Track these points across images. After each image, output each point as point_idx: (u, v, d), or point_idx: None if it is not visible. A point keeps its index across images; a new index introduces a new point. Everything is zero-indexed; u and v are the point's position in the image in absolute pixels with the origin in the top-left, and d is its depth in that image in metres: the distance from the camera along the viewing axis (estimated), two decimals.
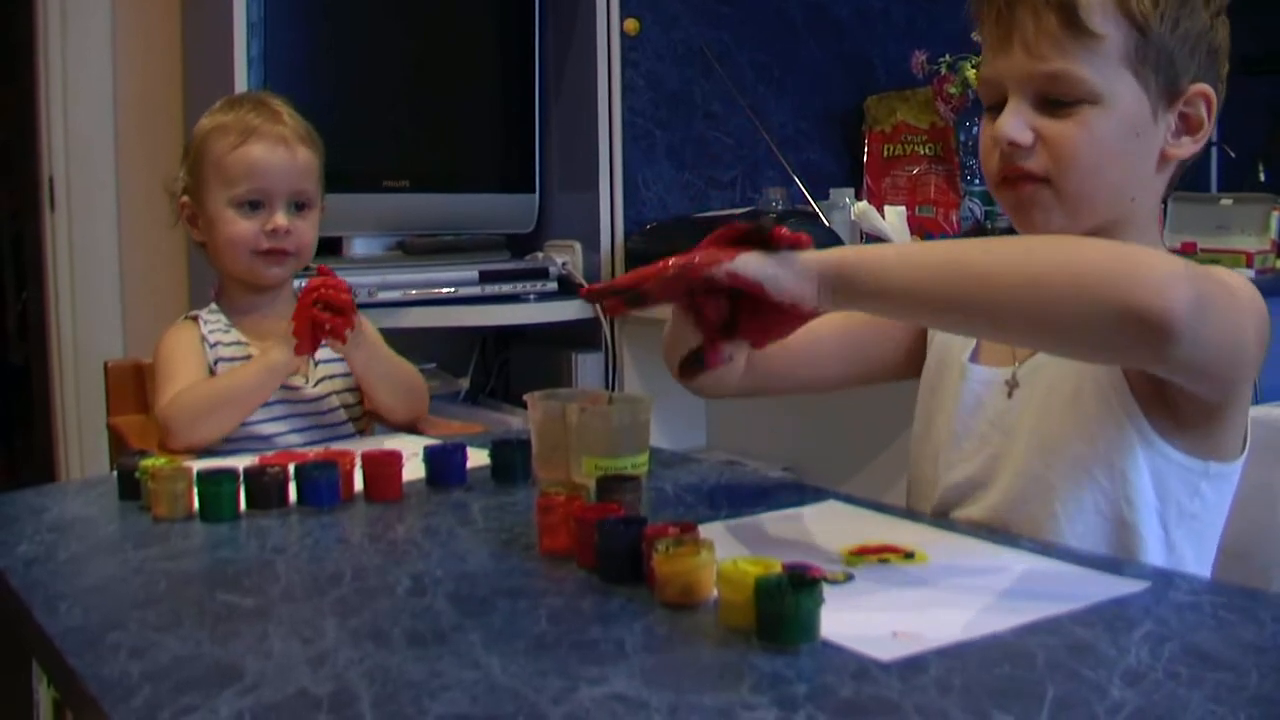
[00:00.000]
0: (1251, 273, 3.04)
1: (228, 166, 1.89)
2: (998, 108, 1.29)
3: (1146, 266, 1.04)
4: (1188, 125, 1.28)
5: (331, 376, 1.95)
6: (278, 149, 1.91)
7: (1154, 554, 1.23)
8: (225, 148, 1.90)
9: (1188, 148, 1.28)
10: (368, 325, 1.91)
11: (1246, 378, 1.20)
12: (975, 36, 1.35)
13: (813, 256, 1.10)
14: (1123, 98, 1.24)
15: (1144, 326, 1.03)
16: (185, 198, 1.97)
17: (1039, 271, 1.06)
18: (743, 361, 1.41)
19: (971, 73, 2.99)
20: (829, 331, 1.45)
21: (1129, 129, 1.25)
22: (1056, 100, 1.25)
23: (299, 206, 1.93)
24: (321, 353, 1.92)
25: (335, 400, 1.94)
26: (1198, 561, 1.26)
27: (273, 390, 1.83)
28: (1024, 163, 1.27)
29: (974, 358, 1.39)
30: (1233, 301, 1.13)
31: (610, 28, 3.05)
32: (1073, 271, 1.05)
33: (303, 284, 1.83)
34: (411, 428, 1.95)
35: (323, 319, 1.77)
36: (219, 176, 1.90)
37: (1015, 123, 1.26)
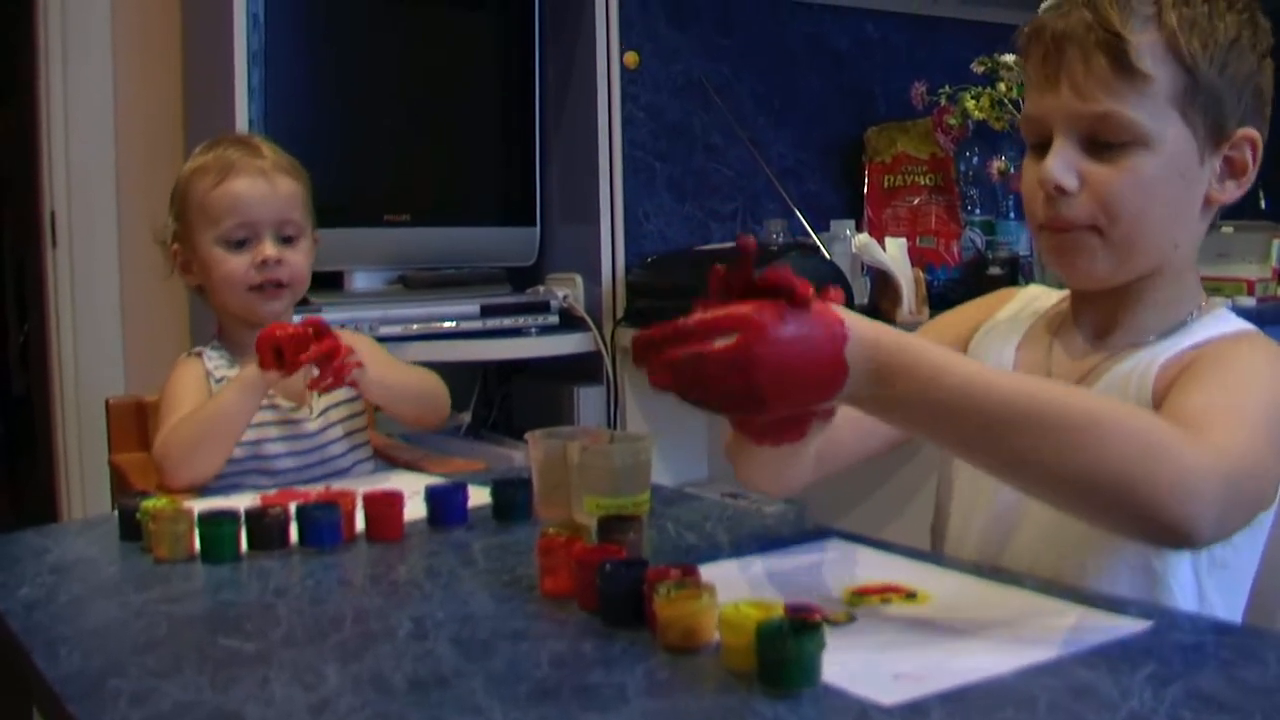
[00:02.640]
0: (1253, 300, 3.05)
1: (210, 205, 1.89)
2: (1041, 146, 1.27)
3: (1178, 475, 1.00)
4: (1232, 169, 1.27)
5: (335, 405, 1.95)
6: (257, 181, 1.90)
7: (1184, 604, 1.22)
8: (206, 187, 1.90)
9: (1231, 192, 1.28)
10: (368, 353, 1.88)
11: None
12: (1006, 60, 1.33)
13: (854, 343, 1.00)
14: (1171, 140, 1.22)
15: (1164, 536, 1.03)
16: (176, 245, 1.96)
17: (1069, 468, 1.01)
18: (812, 456, 1.34)
19: (971, 103, 2.99)
20: None
21: (1175, 173, 1.24)
22: (1104, 142, 1.23)
23: (287, 238, 1.93)
24: None
25: (340, 430, 1.94)
26: (1227, 610, 1.25)
27: (255, 406, 1.81)
28: (1069, 212, 1.25)
29: None
30: (1264, 479, 1.09)
31: (610, 61, 3.06)
32: (1104, 474, 1.00)
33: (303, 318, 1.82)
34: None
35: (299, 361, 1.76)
36: (204, 217, 1.90)
37: (1061, 166, 1.24)
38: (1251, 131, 1.26)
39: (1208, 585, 1.23)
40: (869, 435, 1.41)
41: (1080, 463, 1.01)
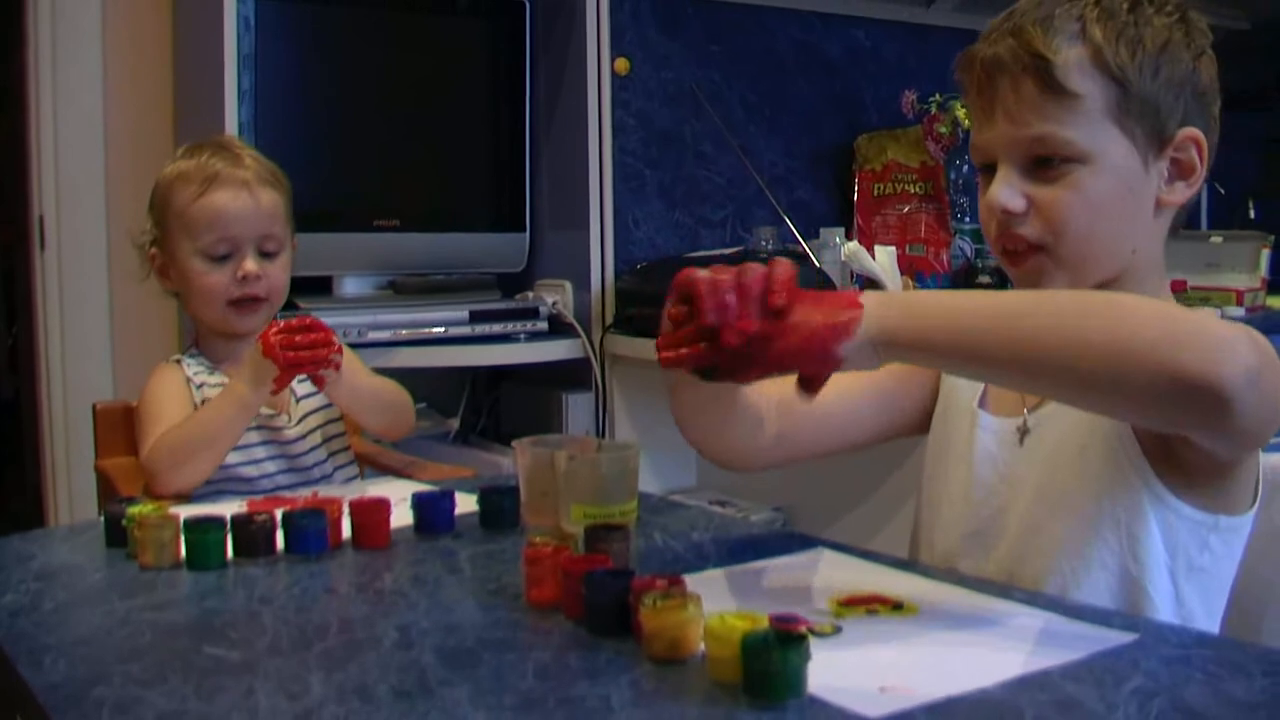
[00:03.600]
0: (1241, 310, 3.05)
1: (192, 217, 1.87)
2: (991, 172, 1.29)
3: (1200, 334, 1.02)
4: (1180, 170, 1.28)
5: (315, 411, 1.94)
6: (241, 195, 1.88)
7: (1162, 609, 1.22)
8: (188, 198, 1.88)
9: (1182, 193, 1.28)
10: (344, 359, 1.88)
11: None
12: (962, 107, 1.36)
13: (869, 323, 1.07)
14: (1111, 154, 1.24)
15: (1196, 396, 1.01)
16: (154, 249, 1.95)
17: (1089, 337, 1.03)
18: (774, 432, 1.40)
19: (962, 112, 3.00)
20: (856, 392, 1.44)
21: (1121, 184, 1.25)
22: (1046, 163, 1.25)
23: (267, 253, 1.92)
24: (302, 388, 1.93)
25: (319, 436, 1.94)
26: (1206, 614, 1.25)
27: (246, 423, 1.81)
28: (1020, 230, 1.27)
29: (982, 404, 1.38)
30: (1276, 368, 1.08)
31: (600, 67, 3.06)
32: (1125, 336, 1.02)
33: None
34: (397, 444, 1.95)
35: (297, 359, 1.75)
36: (184, 228, 1.88)
37: (1006, 191, 1.26)
38: (1194, 131, 1.27)
39: (1186, 590, 1.23)
40: (832, 430, 1.44)
41: (1102, 331, 1.03)
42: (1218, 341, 1.01)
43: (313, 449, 1.93)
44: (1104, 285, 1.28)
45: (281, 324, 1.75)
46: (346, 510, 1.42)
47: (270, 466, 1.88)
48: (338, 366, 1.79)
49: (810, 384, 1.12)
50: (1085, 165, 1.23)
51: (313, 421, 1.94)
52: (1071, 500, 1.25)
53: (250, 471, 1.85)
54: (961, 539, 1.35)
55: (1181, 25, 1.27)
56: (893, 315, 1.08)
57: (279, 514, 1.38)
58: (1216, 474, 1.21)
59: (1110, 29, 1.23)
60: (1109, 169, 1.24)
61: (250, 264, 1.88)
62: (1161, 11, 1.27)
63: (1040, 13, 1.25)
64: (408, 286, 3.00)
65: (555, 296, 3.07)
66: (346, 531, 1.41)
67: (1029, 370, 1.08)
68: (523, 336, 2.98)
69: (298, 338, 1.74)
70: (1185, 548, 1.23)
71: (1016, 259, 1.29)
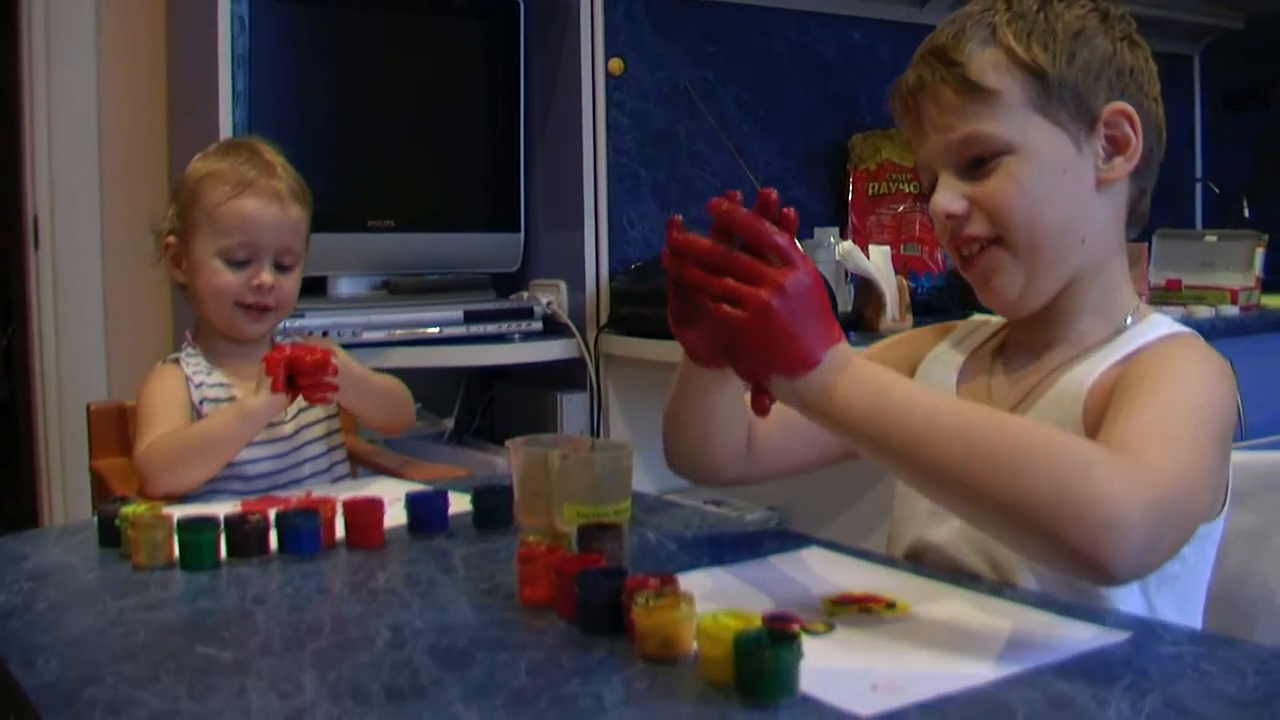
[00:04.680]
0: (1236, 309, 3.06)
1: (220, 218, 1.89)
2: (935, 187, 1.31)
3: (1089, 499, 0.98)
4: (1116, 145, 1.28)
5: (311, 408, 1.94)
6: (271, 206, 1.90)
7: None
8: (219, 197, 1.89)
9: (1121, 168, 1.28)
10: (343, 362, 1.89)
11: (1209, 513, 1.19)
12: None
13: (810, 378, 1.08)
14: (1038, 141, 1.25)
15: (1082, 567, 1.00)
16: (171, 238, 1.96)
17: (988, 485, 1.02)
18: (744, 445, 1.39)
19: None
20: None
21: (1054, 168, 1.26)
22: (978, 162, 1.27)
23: (283, 265, 1.93)
24: None
25: (315, 433, 1.95)
26: (1182, 621, 1.24)
27: (251, 438, 1.82)
28: (969, 230, 1.29)
29: None
30: (1191, 504, 1.06)
31: (595, 67, 3.06)
32: (1015, 500, 1.00)
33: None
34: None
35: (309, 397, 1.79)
36: (210, 226, 1.89)
37: (946, 195, 1.29)
38: (1122, 105, 1.27)
39: (1158, 600, 1.23)
40: (804, 444, 1.44)
41: (1003, 486, 1.01)
42: (1113, 514, 0.98)
43: (308, 444, 1.93)
44: (1067, 286, 1.29)
45: (290, 355, 1.77)
46: (340, 510, 1.42)
47: (265, 466, 1.88)
48: (332, 388, 1.81)
49: (760, 402, 1.13)
50: (1015, 155, 1.25)
51: (308, 418, 1.94)
52: None
53: (245, 470, 1.85)
54: (932, 537, 1.35)
55: (1096, 15, 1.29)
56: (819, 384, 1.08)
57: (272, 514, 1.38)
58: None
59: (1020, 29, 1.26)
60: (1038, 155, 1.25)
61: (266, 275, 1.90)
62: (1074, 6, 1.29)
63: (952, 29, 1.30)
64: (402, 287, 3.00)
65: (550, 296, 3.07)
66: (340, 531, 1.41)
67: (935, 495, 1.11)
68: (517, 336, 2.98)
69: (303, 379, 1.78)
70: None
71: (970, 262, 1.31)
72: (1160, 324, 1.30)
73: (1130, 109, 1.28)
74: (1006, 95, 1.25)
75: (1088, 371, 1.25)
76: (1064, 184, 1.27)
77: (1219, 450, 1.13)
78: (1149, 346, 1.25)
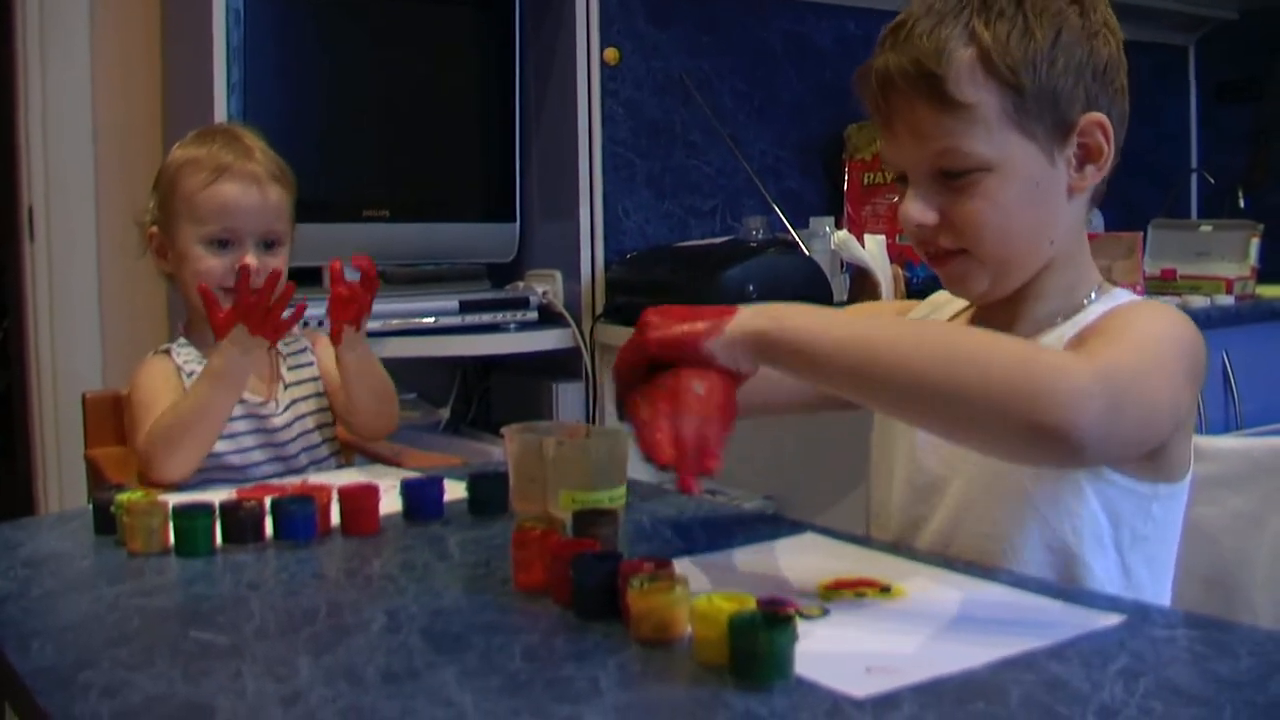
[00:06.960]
0: (1231, 299, 3.06)
1: (199, 204, 1.88)
2: (905, 179, 1.30)
3: (1051, 382, 1.04)
4: (1088, 154, 1.28)
5: (304, 398, 1.94)
6: (250, 189, 1.89)
7: (1107, 582, 1.24)
8: (197, 185, 1.88)
9: (1092, 176, 1.29)
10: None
11: (1172, 433, 1.20)
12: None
13: (736, 325, 1.11)
14: (1015, 158, 1.24)
15: (1050, 443, 1.04)
16: (154, 229, 1.96)
17: (953, 379, 1.06)
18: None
19: None
20: None
21: (1027, 184, 1.25)
22: (953, 173, 1.25)
23: (269, 245, 1.92)
24: (290, 375, 1.93)
25: (307, 423, 1.94)
26: (1154, 582, 1.27)
27: (233, 398, 1.81)
28: (938, 241, 1.29)
29: None
30: (1147, 386, 1.11)
31: (590, 57, 3.06)
32: (983, 386, 1.04)
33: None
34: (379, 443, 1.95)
35: (275, 324, 1.78)
36: (190, 213, 1.89)
37: (917, 206, 1.27)
38: (1097, 116, 1.26)
39: (1131, 559, 1.25)
40: (774, 390, 1.43)
41: (963, 376, 1.05)
42: (1071, 389, 1.04)
43: (300, 435, 1.93)
44: (1027, 282, 1.30)
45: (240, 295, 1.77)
46: (335, 497, 1.42)
47: (257, 455, 1.88)
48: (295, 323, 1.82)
49: (685, 483, 1.13)
50: (992, 172, 1.24)
51: (300, 409, 1.93)
52: (1007, 481, 1.26)
53: (237, 460, 1.85)
54: (901, 507, 1.37)
55: (1075, 4, 1.26)
56: (760, 321, 1.11)
57: (268, 501, 1.38)
58: (1148, 452, 1.21)
59: (999, 35, 1.22)
60: (1014, 173, 1.24)
61: (250, 258, 1.88)
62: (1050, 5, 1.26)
63: (928, 22, 1.24)
64: (397, 277, 3.00)
65: (545, 286, 3.07)
66: (335, 518, 1.41)
67: (900, 402, 1.12)
68: (513, 326, 2.98)
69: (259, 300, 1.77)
70: (1129, 518, 1.24)
71: (939, 260, 1.31)
72: (1122, 295, 1.32)
73: (1104, 119, 1.27)
74: (983, 109, 1.22)
75: (1052, 343, 1.26)
76: (1035, 197, 1.26)
77: (1183, 374, 1.16)
78: (1119, 307, 1.27)
